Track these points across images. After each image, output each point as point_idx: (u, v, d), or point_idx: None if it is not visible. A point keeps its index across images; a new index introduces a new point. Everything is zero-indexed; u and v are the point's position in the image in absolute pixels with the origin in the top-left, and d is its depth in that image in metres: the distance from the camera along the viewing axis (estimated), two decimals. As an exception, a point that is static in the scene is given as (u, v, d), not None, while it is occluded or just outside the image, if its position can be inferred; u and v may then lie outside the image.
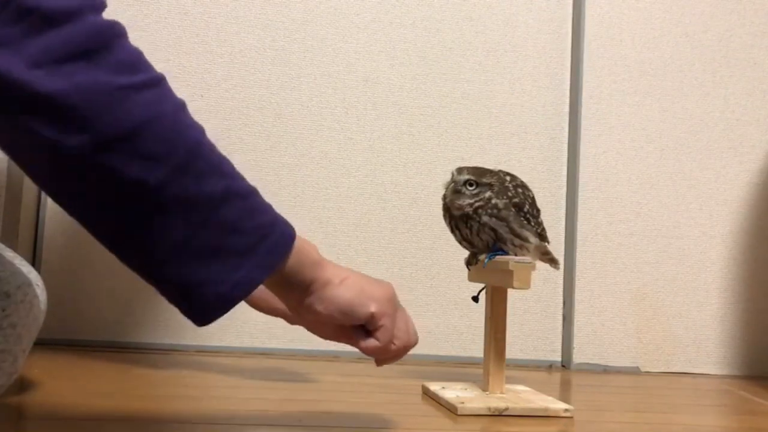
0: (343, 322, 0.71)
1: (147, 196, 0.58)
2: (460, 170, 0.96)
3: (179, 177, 0.59)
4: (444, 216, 0.99)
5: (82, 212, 0.60)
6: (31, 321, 0.71)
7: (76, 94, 0.55)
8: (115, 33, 0.58)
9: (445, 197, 0.97)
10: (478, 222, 0.94)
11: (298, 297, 0.69)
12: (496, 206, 0.94)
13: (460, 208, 0.95)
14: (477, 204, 0.94)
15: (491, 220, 0.94)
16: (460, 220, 0.96)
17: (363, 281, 0.72)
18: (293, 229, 0.66)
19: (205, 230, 0.60)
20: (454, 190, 0.95)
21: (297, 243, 0.66)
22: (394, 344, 0.74)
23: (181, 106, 0.61)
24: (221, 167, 0.62)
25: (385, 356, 0.75)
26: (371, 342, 0.73)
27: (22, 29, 0.53)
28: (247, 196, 0.63)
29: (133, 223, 0.59)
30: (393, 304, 0.74)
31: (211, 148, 0.63)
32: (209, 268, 0.61)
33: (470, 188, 0.94)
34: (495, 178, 0.96)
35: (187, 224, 0.60)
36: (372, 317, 0.71)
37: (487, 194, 0.94)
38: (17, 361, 0.70)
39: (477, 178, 0.94)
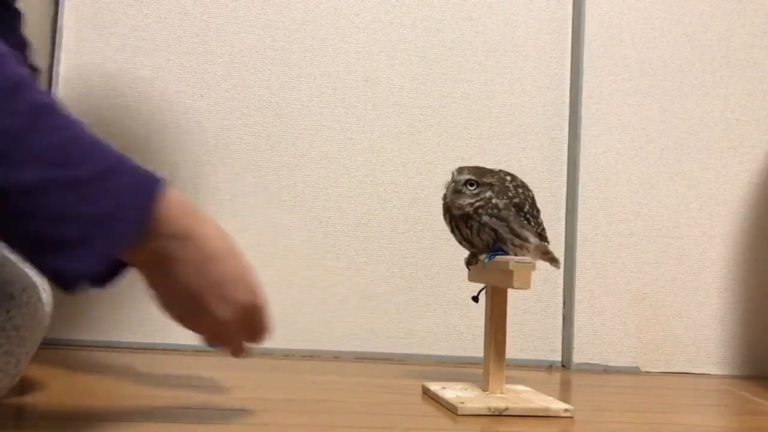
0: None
1: None
2: (460, 170, 0.96)
3: None
4: (444, 216, 0.99)
5: None
6: (35, 324, 0.71)
7: None
8: None
9: (445, 197, 0.97)
10: (479, 222, 0.95)
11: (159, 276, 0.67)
12: (496, 206, 0.94)
13: (461, 207, 0.95)
14: (477, 204, 0.94)
15: (491, 220, 0.94)
16: (460, 220, 0.96)
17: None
18: (141, 207, 0.63)
19: (27, 220, 0.58)
20: (455, 190, 0.95)
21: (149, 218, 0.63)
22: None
23: (11, 87, 0.58)
24: (45, 154, 0.59)
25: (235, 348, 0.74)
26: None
27: None
28: (76, 184, 0.60)
29: None
30: (244, 304, 0.70)
31: (39, 130, 0.59)
32: (39, 256, 0.60)
33: (471, 188, 0.94)
34: (495, 177, 0.96)
35: (6, 214, 0.58)
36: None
37: (488, 194, 0.94)
38: (20, 364, 0.70)
39: (478, 177, 0.95)
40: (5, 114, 0.57)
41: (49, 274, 0.61)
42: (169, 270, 0.66)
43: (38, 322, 0.71)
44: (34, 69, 0.89)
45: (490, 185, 0.95)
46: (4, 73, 0.59)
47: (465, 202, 0.94)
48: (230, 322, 0.70)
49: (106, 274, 0.63)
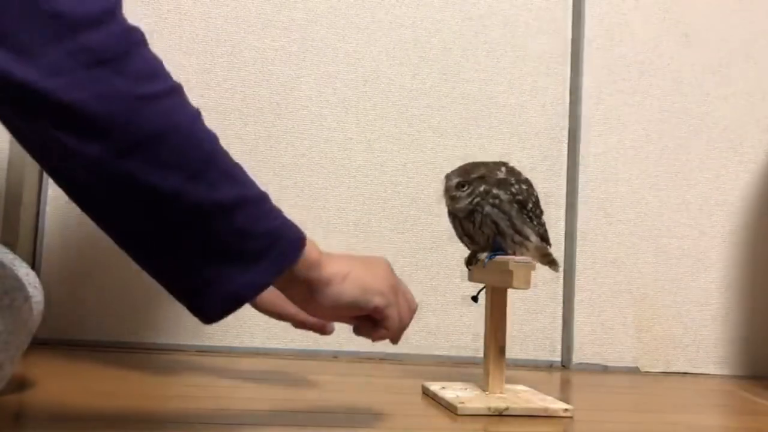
0: (349, 315, 0.75)
1: (162, 203, 0.59)
2: (448, 177, 0.96)
3: (194, 185, 0.60)
4: (448, 215, 0.99)
5: (99, 214, 0.61)
6: (19, 327, 0.70)
7: (96, 104, 0.55)
8: (135, 41, 0.60)
9: (447, 205, 0.98)
10: (481, 214, 0.94)
11: (303, 295, 0.71)
12: (497, 196, 0.94)
13: (463, 210, 0.95)
14: (475, 200, 0.94)
15: (493, 210, 0.94)
16: (464, 218, 0.96)
17: (364, 274, 0.74)
18: (303, 233, 0.67)
19: (218, 235, 0.62)
20: (450, 198, 0.95)
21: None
22: (401, 324, 0.79)
23: (196, 116, 0.63)
24: (234, 175, 0.64)
25: (395, 338, 0.80)
26: (381, 333, 0.78)
27: (43, 36, 0.53)
28: (259, 202, 0.65)
29: (148, 228, 0.61)
30: (394, 291, 0.77)
31: (224, 155, 0.64)
32: (220, 270, 0.62)
33: (462, 190, 0.94)
34: (483, 168, 0.96)
35: (200, 230, 0.61)
36: (376, 310, 0.74)
37: (482, 188, 0.94)
38: (4, 369, 0.69)
39: (465, 177, 0.94)
40: (205, 136, 0.63)
41: (230, 287, 0.63)
42: (296, 299, 0.73)
43: (23, 324, 0.71)
44: None
45: (481, 177, 0.95)
46: (189, 102, 0.63)
47: (463, 205, 0.95)
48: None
49: (249, 295, 0.65)
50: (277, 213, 0.66)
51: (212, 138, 0.64)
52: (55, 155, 0.58)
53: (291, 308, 0.97)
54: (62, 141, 0.55)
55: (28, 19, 0.53)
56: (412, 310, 0.81)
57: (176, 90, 0.61)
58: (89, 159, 0.56)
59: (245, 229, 0.63)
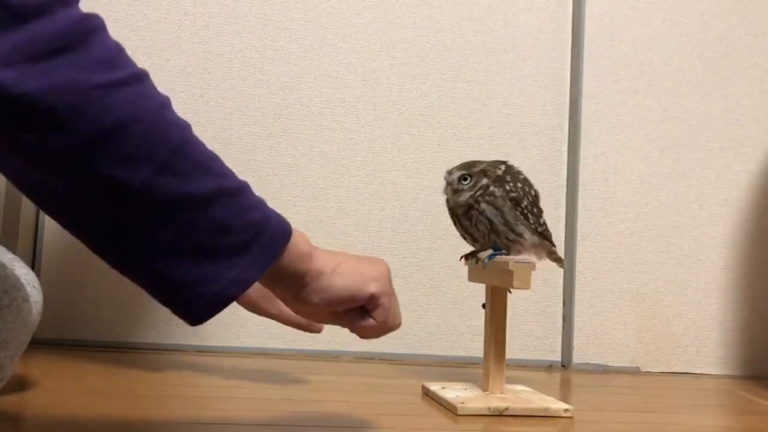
0: (342, 308, 0.70)
1: (131, 197, 0.56)
2: (450, 171, 0.98)
3: (164, 177, 0.56)
4: (450, 215, 1.00)
5: (67, 215, 0.59)
6: (19, 326, 0.70)
7: (51, 95, 0.52)
8: (91, 27, 0.56)
9: (448, 201, 0.98)
10: (478, 211, 0.95)
11: (292, 290, 0.67)
12: (492, 194, 0.95)
13: (464, 203, 0.96)
14: (477, 193, 0.95)
15: (488, 207, 0.95)
16: (462, 214, 0.97)
17: (357, 263, 0.71)
18: (288, 224, 0.64)
19: (196, 230, 0.58)
20: (453, 191, 0.96)
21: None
22: (391, 320, 0.73)
23: (164, 104, 0.59)
24: (209, 165, 0.59)
25: (379, 331, 0.74)
26: (369, 322, 0.72)
27: None
28: (238, 193, 0.61)
29: (119, 224, 0.57)
30: (390, 281, 0.73)
31: (198, 145, 0.60)
32: (202, 268, 0.59)
33: (465, 182, 0.96)
34: (485, 164, 0.98)
35: (176, 225, 0.58)
36: (372, 298, 0.70)
37: (484, 181, 0.96)
38: (4, 369, 0.69)
39: (467, 170, 0.97)
40: (173, 126, 0.58)
41: (214, 285, 0.60)
42: (282, 298, 0.70)
43: (22, 324, 0.71)
44: None
45: (483, 171, 0.97)
46: (156, 90, 0.59)
47: (465, 198, 0.96)
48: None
49: (234, 293, 0.62)
50: (259, 204, 0.62)
51: (183, 127, 0.59)
52: (15, 153, 0.54)
53: (273, 309, 0.96)
54: (23, 139, 0.53)
55: None
56: (396, 322, 0.75)
57: (139, 77, 0.58)
58: (50, 154, 0.54)
59: (225, 222, 0.59)
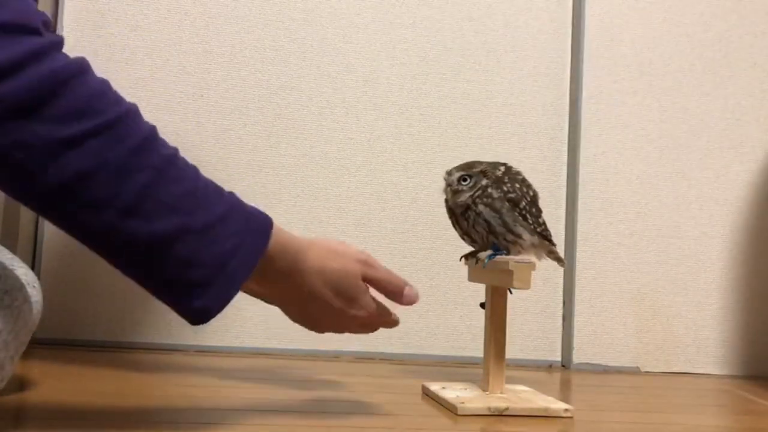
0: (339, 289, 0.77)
1: (97, 238, 0.62)
2: (449, 172, 0.98)
3: (127, 220, 0.60)
4: (449, 217, 1.00)
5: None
6: (20, 327, 0.70)
7: (17, 151, 0.56)
8: (69, 75, 0.58)
9: (447, 201, 0.99)
10: (475, 212, 0.95)
11: (293, 291, 0.74)
12: (490, 195, 0.95)
13: (463, 204, 0.96)
14: (476, 194, 0.95)
15: (486, 209, 0.95)
16: (460, 215, 0.97)
17: (325, 242, 0.78)
18: (258, 246, 0.68)
19: (162, 266, 0.63)
20: (453, 192, 0.96)
21: (265, 254, 0.69)
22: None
23: (134, 148, 0.61)
24: (176, 203, 0.63)
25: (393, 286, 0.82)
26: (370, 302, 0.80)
27: None
28: (205, 229, 0.64)
29: (101, 253, 0.64)
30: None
31: (169, 181, 0.63)
32: (172, 297, 0.65)
33: (464, 183, 0.96)
34: (485, 164, 0.98)
35: (143, 262, 0.63)
36: (365, 262, 0.79)
37: (483, 182, 0.96)
38: (4, 369, 0.69)
39: (467, 171, 0.97)
40: (141, 170, 0.61)
41: (182, 311, 0.66)
42: (276, 298, 0.77)
43: (23, 324, 0.71)
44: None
45: (483, 172, 0.97)
46: (139, 128, 0.62)
47: (465, 197, 0.96)
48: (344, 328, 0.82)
49: (203, 319, 0.68)
50: (228, 233, 0.66)
51: (157, 165, 0.62)
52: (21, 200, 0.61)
53: None
54: (6, 187, 0.59)
55: None
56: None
57: (109, 124, 0.60)
58: (27, 200, 0.60)
59: (188, 258, 0.63)
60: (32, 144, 0.56)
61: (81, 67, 0.60)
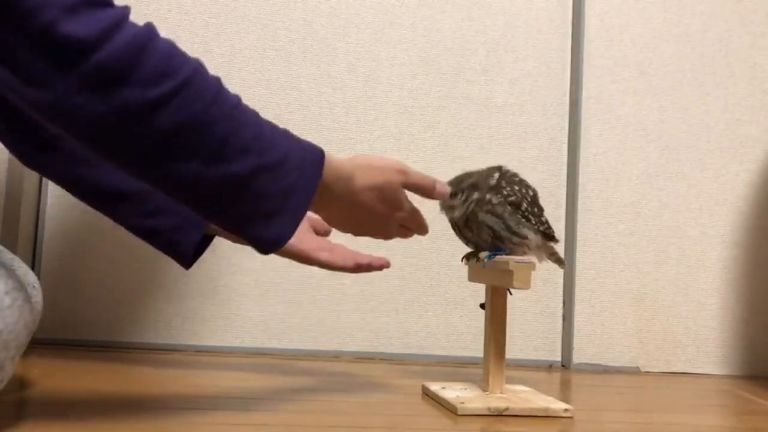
0: (384, 197, 0.85)
1: (185, 185, 0.68)
2: None
3: (211, 166, 0.67)
4: (452, 227, 1.00)
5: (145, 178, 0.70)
6: (20, 327, 0.70)
7: (113, 116, 0.62)
8: (140, 45, 0.63)
9: (446, 216, 0.99)
10: (477, 221, 0.95)
11: (336, 208, 0.83)
12: (490, 201, 0.95)
13: (461, 218, 0.96)
14: (470, 207, 0.95)
15: (488, 216, 0.95)
16: (463, 226, 0.97)
17: (365, 162, 0.85)
18: (315, 177, 0.75)
19: (239, 201, 0.70)
20: (446, 208, 0.96)
21: (321, 183, 0.76)
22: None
23: (213, 95, 0.67)
24: (250, 145, 0.69)
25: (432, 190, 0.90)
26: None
27: (53, 64, 0.59)
28: (274, 167, 0.71)
29: (186, 199, 0.71)
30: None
31: (240, 126, 0.69)
32: (247, 227, 0.72)
33: (456, 198, 0.95)
34: (475, 176, 0.97)
35: (223, 201, 0.70)
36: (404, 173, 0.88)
37: (475, 195, 0.95)
38: (4, 369, 0.69)
39: (456, 187, 0.96)
40: (218, 120, 0.67)
41: (255, 241, 0.74)
42: (329, 215, 0.85)
43: (24, 325, 0.71)
44: None
45: (473, 186, 0.96)
46: (209, 82, 0.68)
47: (460, 213, 0.96)
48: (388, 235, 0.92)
49: (276, 247, 0.75)
50: (292, 169, 0.73)
51: (229, 113, 0.68)
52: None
53: (321, 257, 1.02)
54: (103, 151, 0.65)
55: (38, 50, 0.59)
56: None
57: (187, 81, 0.65)
58: (127, 164, 0.67)
59: (262, 192, 0.70)
60: (124, 109, 0.61)
61: (152, 32, 0.65)
